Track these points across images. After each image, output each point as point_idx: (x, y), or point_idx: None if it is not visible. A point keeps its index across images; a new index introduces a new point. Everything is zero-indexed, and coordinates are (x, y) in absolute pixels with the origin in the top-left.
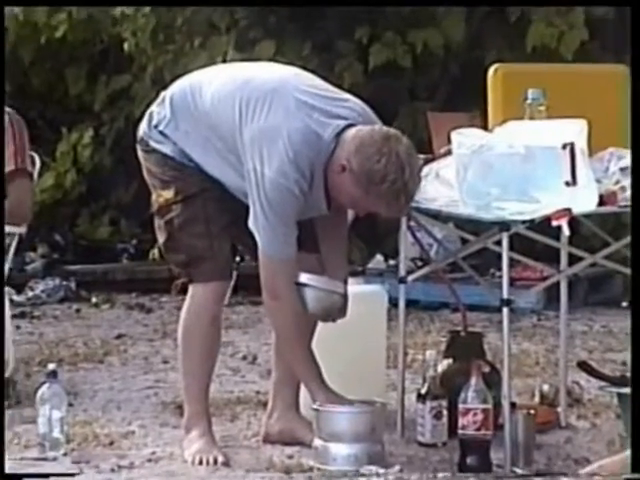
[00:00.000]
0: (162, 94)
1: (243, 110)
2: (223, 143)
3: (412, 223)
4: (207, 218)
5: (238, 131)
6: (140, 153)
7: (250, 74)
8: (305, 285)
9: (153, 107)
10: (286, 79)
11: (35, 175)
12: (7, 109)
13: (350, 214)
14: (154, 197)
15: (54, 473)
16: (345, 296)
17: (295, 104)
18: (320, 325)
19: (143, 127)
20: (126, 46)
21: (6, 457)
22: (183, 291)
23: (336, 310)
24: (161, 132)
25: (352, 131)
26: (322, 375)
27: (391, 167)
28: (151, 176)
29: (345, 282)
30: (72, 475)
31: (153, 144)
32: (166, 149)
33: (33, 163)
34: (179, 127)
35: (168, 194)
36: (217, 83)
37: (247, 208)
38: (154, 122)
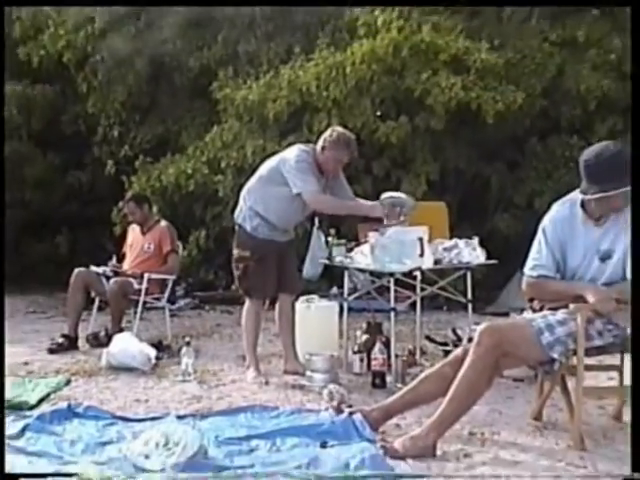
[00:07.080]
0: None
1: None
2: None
3: (349, 273)
4: (265, 270)
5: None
6: (236, 225)
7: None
8: (392, 198)
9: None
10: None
11: (179, 252)
12: (166, 222)
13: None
14: (236, 252)
15: (52, 473)
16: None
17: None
18: (304, 319)
19: (236, 212)
20: (220, 193)
21: (6, 456)
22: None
23: (409, 208)
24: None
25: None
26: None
27: (340, 134)
28: (238, 240)
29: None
30: (70, 476)
31: (240, 221)
32: (247, 225)
33: (178, 247)
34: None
35: (246, 254)
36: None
37: (286, 258)
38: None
